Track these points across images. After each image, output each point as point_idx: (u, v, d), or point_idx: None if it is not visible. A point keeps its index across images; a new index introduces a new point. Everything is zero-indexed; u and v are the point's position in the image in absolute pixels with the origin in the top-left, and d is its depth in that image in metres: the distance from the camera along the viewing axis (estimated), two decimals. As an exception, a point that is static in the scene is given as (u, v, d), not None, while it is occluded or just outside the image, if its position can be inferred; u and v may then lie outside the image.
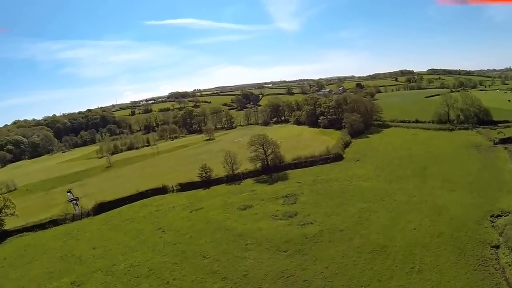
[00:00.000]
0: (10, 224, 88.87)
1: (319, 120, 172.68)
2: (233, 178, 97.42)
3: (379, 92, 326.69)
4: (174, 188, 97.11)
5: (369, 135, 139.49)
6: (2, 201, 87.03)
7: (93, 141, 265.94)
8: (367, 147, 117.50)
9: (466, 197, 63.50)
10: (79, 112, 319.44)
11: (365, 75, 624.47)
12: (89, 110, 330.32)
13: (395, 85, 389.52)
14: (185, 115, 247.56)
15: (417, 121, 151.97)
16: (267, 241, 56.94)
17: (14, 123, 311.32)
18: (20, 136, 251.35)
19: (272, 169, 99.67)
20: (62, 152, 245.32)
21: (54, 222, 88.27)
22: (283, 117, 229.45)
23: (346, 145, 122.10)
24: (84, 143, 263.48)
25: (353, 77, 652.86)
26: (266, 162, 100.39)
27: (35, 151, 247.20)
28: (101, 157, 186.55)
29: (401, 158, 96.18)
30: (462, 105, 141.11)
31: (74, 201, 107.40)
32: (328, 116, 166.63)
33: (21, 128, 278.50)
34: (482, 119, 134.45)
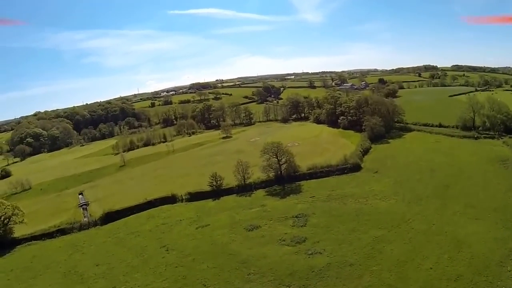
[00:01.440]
0: (19, 231, 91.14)
1: (339, 120, 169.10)
2: (244, 188, 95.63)
3: (402, 88, 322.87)
4: (183, 197, 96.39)
5: (390, 140, 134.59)
6: (10, 210, 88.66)
7: (111, 134, 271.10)
8: (387, 155, 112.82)
9: (490, 228, 58.85)
10: (99, 104, 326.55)
11: (388, 69, 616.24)
12: (108, 102, 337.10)
13: (418, 80, 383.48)
14: (204, 109, 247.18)
15: (440, 125, 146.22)
16: (270, 271, 54.89)
17: (35, 114, 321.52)
18: (40, 129, 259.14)
19: (285, 179, 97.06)
20: (80, 146, 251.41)
21: (62, 231, 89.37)
22: (303, 114, 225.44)
23: (365, 151, 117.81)
24: (103, 136, 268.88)
25: (376, 70, 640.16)
26: (279, 172, 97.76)
27: (54, 144, 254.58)
28: (117, 154, 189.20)
29: (422, 171, 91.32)
30: (488, 112, 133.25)
31: (84, 206, 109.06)
32: (349, 117, 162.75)
33: (41, 120, 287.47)
34: (510, 127, 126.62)
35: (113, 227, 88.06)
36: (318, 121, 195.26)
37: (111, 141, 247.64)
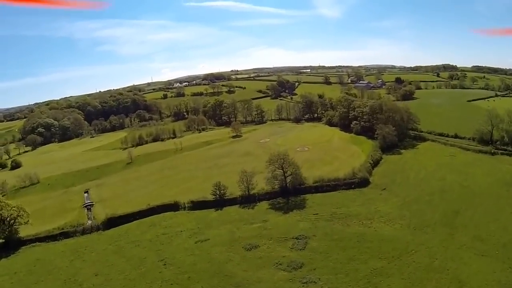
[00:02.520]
0: (24, 231, 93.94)
1: (351, 125, 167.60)
2: (247, 199, 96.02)
3: (419, 88, 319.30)
4: (186, 205, 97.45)
5: (402, 150, 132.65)
6: (15, 211, 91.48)
7: (121, 126, 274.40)
8: (397, 169, 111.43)
9: (495, 268, 57.33)
10: (110, 95, 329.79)
11: (406, 65, 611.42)
12: (120, 93, 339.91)
13: (436, 81, 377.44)
14: (215, 105, 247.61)
15: (456, 136, 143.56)
16: (264, 299, 55.50)
17: (47, 104, 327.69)
18: (51, 119, 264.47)
19: (291, 191, 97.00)
20: (90, 137, 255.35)
21: (65, 234, 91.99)
22: (316, 114, 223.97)
23: (375, 163, 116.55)
24: (113, 128, 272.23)
25: (393, 67, 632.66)
26: (285, 184, 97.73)
27: (65, 134, 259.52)
28: (125, 148, 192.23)
29: (432, 192, 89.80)
30: (507, 126, 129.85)
31: (89, 206, 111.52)
32: (362, 123, 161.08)
33: (53, 110, 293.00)
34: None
35: (115, 233, 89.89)
36: (330, 124, 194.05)
37: (121, 134, 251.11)
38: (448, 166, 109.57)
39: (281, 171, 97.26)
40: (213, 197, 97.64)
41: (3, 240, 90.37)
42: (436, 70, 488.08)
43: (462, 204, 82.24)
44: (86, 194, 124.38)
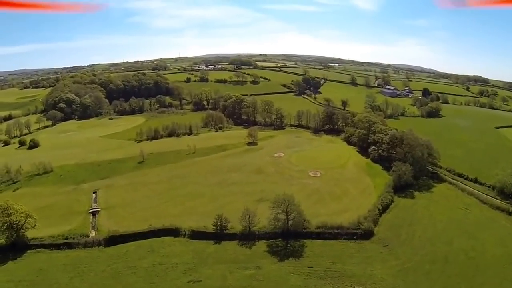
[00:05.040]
0: (31, 232, 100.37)
1: (369, 150, 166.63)
2: (247, 237, 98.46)
3: (447, 102, 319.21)
4: (186, 233, 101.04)
5: (416, 193, 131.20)
6: (23, 218, 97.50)
7: (141, 110, 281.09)
8: (406, 220, 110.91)
9: None
10: (134, 75, 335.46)
11: (436, 69, 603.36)
12: (144, 73, 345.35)
13: (465, 95, 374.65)
14: (235, 103, 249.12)
15: (476, 181, 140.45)
16: None
17: (72, 76, 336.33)
18: (73, 95, 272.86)
19: (291, 234, 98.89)
20: (109, 119, 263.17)
21: (68, 245, 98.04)
22: (336, 126, 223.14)
23: (385, 208, 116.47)
24: (132, 111, 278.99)
25: (423, 70, 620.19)
26: (286, 226, 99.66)
27: (85, 112, 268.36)
28: (140, 141, 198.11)
29: (434, 260, 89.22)
30: None
31: (95, 212, 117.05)
32: (380, 151, 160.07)
33: (77, 84, 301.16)
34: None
35: (115, 253, 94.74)
36: (349, 142, 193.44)
37: (139, 119, 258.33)
38: (458, 225, 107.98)
39: (285, 215, 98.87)
40: (214, 228, 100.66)
41: (11, 242, 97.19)
42: (467, 82, 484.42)
43: (462, 283, 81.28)
44: (94, 195, 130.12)
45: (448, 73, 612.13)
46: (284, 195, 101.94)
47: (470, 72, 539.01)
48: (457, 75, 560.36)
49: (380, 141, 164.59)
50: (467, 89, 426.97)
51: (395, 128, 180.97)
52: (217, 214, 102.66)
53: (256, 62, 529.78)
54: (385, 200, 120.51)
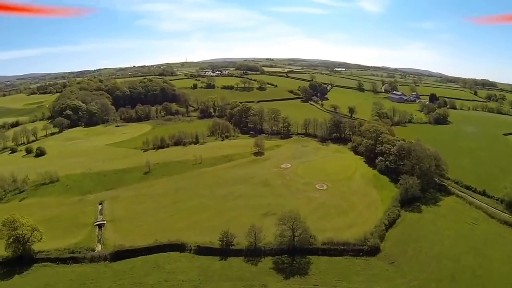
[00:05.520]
0: (37, 244, 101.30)
1: (376, 160, 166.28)
2: (253, 253, 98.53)
3: (454, 108, 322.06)
4: (192, 248, 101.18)
5: (423, 207, 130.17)
6: (29, 231, 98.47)
7: (147, 117, 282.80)
8: (412, 235, 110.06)
9: None
10: (140, 81, 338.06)
11: (443, 73, 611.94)
12: (150, 80, 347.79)
13: (473, 100, 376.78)
14: (242, 111, 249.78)
15: (484, 193, 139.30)
16: None
17: (78, 83, 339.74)
18: (80, 102, 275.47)
19: (297, 250, 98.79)
20: (115, 126, 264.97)
21: (74, 259, 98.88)
22: (343, 135, 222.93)
23: (391, 223, 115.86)
24: (139, 118, 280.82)
25: (430, 74, 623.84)
26: (292, 242, 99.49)
27: (91, 119, 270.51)
28: (146, 150, 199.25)
29: (441, 279, 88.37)
30: None
31: (100, 225, 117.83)
32: (387, 162, 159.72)
33: (83, 91, 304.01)
34: None
35: (120, 268, 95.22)
36: (356, 151, 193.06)
37: (146, 127, 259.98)
38: (466, 241, 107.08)
39: (291, 232, 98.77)
40: (220, 244, 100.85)
41: (18, 255, 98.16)
42: (474, 86, 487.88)
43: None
44: (100, 207, 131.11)
45: (455, 77, 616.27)
46: (290, 212, 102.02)
47: (478, 76, 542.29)
48: (464, 79, 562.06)
49: (387, 152, 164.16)
50: (475, 93, 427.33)
51: (403, 139, 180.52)
52: (223, 229, 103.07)
53: (263, 68, 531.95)
54: (391, 214, 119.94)
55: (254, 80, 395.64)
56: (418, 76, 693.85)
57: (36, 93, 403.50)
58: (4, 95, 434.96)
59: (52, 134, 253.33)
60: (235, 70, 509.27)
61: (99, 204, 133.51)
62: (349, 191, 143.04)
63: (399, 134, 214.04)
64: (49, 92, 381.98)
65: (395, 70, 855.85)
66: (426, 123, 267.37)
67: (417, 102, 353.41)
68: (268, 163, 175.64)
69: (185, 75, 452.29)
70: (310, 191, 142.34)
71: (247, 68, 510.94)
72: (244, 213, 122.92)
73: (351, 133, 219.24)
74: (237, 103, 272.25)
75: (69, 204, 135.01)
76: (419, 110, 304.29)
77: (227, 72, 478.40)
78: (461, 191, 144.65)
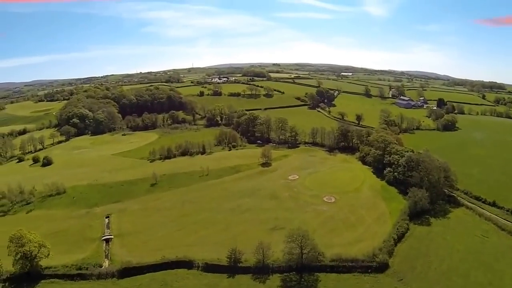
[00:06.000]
0: (45, 260, 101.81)
1: (385, 171, 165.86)
2: (261, 270, 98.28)
3: (462, 113, 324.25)
4: (200, 265, 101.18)
5: (432, 219, 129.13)
6: (36, 248, 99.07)
7: (154, 126, 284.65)
8: (421, 250, 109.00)
9: None
10: (147, 89, 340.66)
11: (450, 75, 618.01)
12: (156, 88, 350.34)
13: (481, 104, 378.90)
14: (249, 120, 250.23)
15: (494, 204, 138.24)
16: None
17: (85, 91, 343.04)
18: (86, 110, 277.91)
19: (306, 267, 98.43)
20: (122, 135, 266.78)
21: (82, 276, 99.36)
22: (351, 143, 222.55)
23: (400, 237, 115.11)
24: (145, 127, 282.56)
25: (437, 77, 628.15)
26: (301, 259, 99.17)
27: (98, 127, 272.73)
28: (153, 161, 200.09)
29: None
30: None
31: (108, 239, 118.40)
32: (395, 174, 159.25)
33: (90, 99, 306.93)
34: None
35: (128, 285, 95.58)
36: (364, 161, 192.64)
37: (152, 136, 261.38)
38: (476, 256, 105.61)
39: (299, 250, 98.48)
40: (227, 261, 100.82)
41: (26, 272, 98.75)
42: (482, 89, 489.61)
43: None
44: (107, 220, 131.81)
45: (462, 79, 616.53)
46: (299, 229, 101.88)
47: (485, 77, 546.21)
48: (472, 82, 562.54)
49: (396, 163, 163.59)
50: (483, 97, 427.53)
51: (411, 150, 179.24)
52: (230, 245, 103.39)
53: (270, 74, 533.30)
54: (400, 228, 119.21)
55: (261, 87, 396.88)
56: (425, 80, 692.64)
57: (43, 101, 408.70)
58: (12, 102, 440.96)
59: (59, 142, 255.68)
60: (242, 76, 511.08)
61: (106, 217, 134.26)
62: (358, 203, 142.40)
63: (407, 142, 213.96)
64: (56, 100, 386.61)
65: (402, 73, 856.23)
66: (434, 129, 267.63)
67: (424, 107, 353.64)
68: (275, 175, 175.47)
69: (192, 82, 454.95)
70: (318, 204, 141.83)
71: (253, 74, 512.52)
72: (252, 227, 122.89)
73: (358, 142, 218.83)
74: (244, 112, 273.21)
75: (76, 217, 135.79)
76: (427, 116, 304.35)
77: (233, 78, 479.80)
78: (470, 202, 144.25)
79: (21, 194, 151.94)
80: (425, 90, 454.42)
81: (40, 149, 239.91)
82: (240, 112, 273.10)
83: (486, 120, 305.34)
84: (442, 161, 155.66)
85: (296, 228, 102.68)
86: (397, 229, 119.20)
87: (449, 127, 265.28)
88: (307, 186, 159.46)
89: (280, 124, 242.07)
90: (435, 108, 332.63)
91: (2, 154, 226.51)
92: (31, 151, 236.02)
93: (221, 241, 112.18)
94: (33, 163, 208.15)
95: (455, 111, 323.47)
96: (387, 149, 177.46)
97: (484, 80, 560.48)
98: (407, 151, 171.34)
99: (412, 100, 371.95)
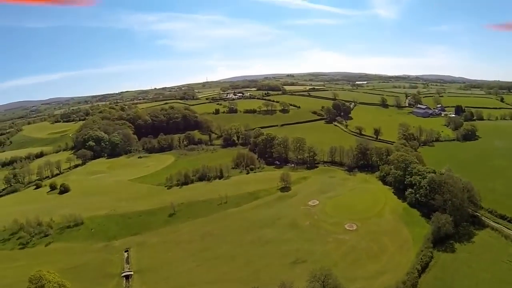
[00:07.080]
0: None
1: (406, 193, 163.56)
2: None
3: (481, 119, 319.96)
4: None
5: (456, 245, 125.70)
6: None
7: (170, 148, 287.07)
8: (446, 282, 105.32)
9: None
10: (161, 109, 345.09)
11: (465, 77, 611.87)
12: (171, 107, 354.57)
13: (500, 108, 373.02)
14: (266, 140, 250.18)
15: None
16: None
17: (100, 111, 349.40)
18: (102, 132, 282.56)
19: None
20: (138, 157, 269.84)
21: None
22: (371, 161, 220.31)
23: (424, 267, 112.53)
24: (161, 148, 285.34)
25: (453, 80, 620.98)
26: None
27: (114, 150, 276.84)
28: (170, 187, 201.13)
29: None
30: None
31: (128, 275, 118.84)
32: (417, 195, 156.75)
33: (105, 120, 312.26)
34: None
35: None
36: (384, 181, 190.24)
37: (169, 158, 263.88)
38: (503, 285, 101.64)
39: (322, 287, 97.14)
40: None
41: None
42: (500, 91, 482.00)
43: None
44: (126, 254, 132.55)
45: (478, 80, 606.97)
46: (321, 268, 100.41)
47: (501, 77, 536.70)
48: (488, 83, 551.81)
49: (417, 184, 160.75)
50: (501, 100, 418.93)
51: (433, 170, 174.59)
52: (252, 282, 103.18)
53: (284, 87, 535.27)
54: (424, 258, 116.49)
55: (277, 102, 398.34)
56: (440, 83, 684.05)
57: (59, 121, 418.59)
58: (29, 123, 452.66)
59: (76, 166, 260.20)
60: (257, 90, 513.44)
61: (125, 251, 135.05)
62: (380, 230, 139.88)
63: (427, 156, 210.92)
64: (72, 120, 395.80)
65: (417, 78, 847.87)
66: (454, 140, 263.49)
67: (442, 115, 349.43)
68: (295, 200, 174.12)
69: (207, 99, 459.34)
70: (340, 232, 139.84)
71: (268, 87, 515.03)
72: (273, 261, 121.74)
73: (378, 159, 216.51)
74: (260, 131, 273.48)
75: (95, 251, 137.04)
76: (445, 125, 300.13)
77: (248, 94, 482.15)
78: (495, 222, 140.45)
79: (39, 226, 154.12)
80: (441, 96, 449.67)
81: (57, 174, 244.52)
82: (257, 131, 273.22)
83: (506, 125, 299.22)
84: (466, 181, 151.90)
85: (319, 268, 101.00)
86: (421, 258, 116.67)
87: (469, 136, 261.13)
88: (328, 213, 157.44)
89: (298, 144, 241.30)
90: (453, 115, 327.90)
91: (20, 180, 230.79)
92: (48, 176, 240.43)
93: (242, 277, 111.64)
94: (50, 190, 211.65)
95: (474, 118, 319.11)
96: (408, 169, 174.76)
97: (501, 80, 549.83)
98: (429, 172, 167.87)
99: (430, 109, 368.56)
